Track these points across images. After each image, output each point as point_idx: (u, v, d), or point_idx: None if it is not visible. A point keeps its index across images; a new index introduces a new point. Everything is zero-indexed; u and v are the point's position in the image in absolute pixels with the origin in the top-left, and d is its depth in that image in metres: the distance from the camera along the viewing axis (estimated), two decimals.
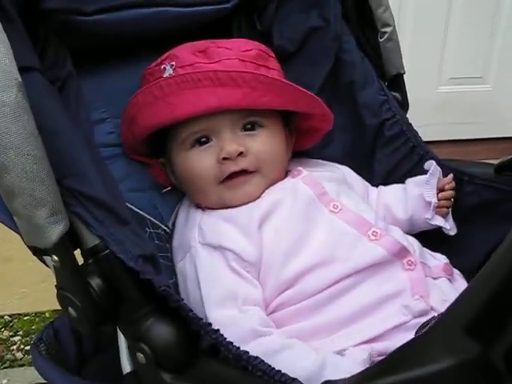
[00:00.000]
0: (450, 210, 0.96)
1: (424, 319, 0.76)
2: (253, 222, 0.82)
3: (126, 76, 0.92)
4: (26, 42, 0.69)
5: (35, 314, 1.61)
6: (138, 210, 0.87)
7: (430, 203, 0.93)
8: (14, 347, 1.52)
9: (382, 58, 1.06)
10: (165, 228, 0.90)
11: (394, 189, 1.00)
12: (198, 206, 0.89)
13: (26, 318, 1.60)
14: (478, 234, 0.97)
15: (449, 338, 0.49)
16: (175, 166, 0.89)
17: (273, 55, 0.94)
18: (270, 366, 0.59)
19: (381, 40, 1.05)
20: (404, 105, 1.07)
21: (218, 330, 0.63)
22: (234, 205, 0.86)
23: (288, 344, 0.72)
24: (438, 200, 0.94)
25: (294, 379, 0.57)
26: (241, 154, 0.84)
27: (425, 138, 2.18)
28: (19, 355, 1.49)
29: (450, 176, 0.96)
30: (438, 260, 0.89)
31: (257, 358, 0.60)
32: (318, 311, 0.78)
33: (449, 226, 0.95)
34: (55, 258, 0.58)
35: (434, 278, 0.84)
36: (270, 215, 0.83)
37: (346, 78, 1.04)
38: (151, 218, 0.88)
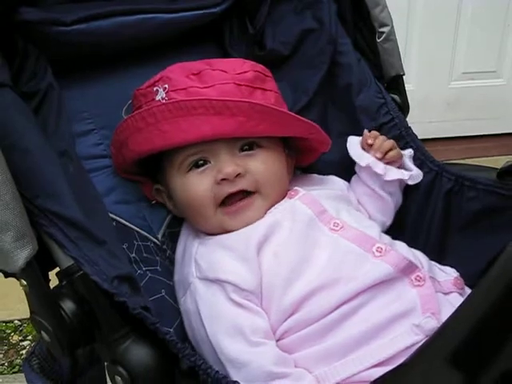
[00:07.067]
0: (405, 156, 0.96)
1: None
2: (250, 248, 0.79)
3: (112, 85, 0.90)
4: None
5: None
6: (125, 222, 0.85)
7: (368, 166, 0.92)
8: (24, 352, 1.52)
9: (380, 59, 1.03)
10: (154, 240, 0.88)
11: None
12: (195, 236, 0.87)
13: None
14: (479, 241, 0.94)
15: (429, 370, 0.46)
16: (173, 191, 0.87)
17: (270, 75, 0.91)
18: None
19: (378, 40, 1.03)
20: (404, 107, 1.04)
21: (195, 353, 0.61)
22: (235, 229, 0.83)
23: None
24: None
25: None
26: (239, 175, 0.82)
27: (436, 135, 2.20)
28: None
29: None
30: (448, 274, 0.85)
31: (235, 382, 0.58)
32: (325, 336, 0.75)
33: (407, 176, 0.93)
34: (23, 282, 0.57)
35: (445, 294, 0.80)
36: (269, 239, 0.81)
37: (342, 81, 1.02)
38: (139, 230, 0.87)
